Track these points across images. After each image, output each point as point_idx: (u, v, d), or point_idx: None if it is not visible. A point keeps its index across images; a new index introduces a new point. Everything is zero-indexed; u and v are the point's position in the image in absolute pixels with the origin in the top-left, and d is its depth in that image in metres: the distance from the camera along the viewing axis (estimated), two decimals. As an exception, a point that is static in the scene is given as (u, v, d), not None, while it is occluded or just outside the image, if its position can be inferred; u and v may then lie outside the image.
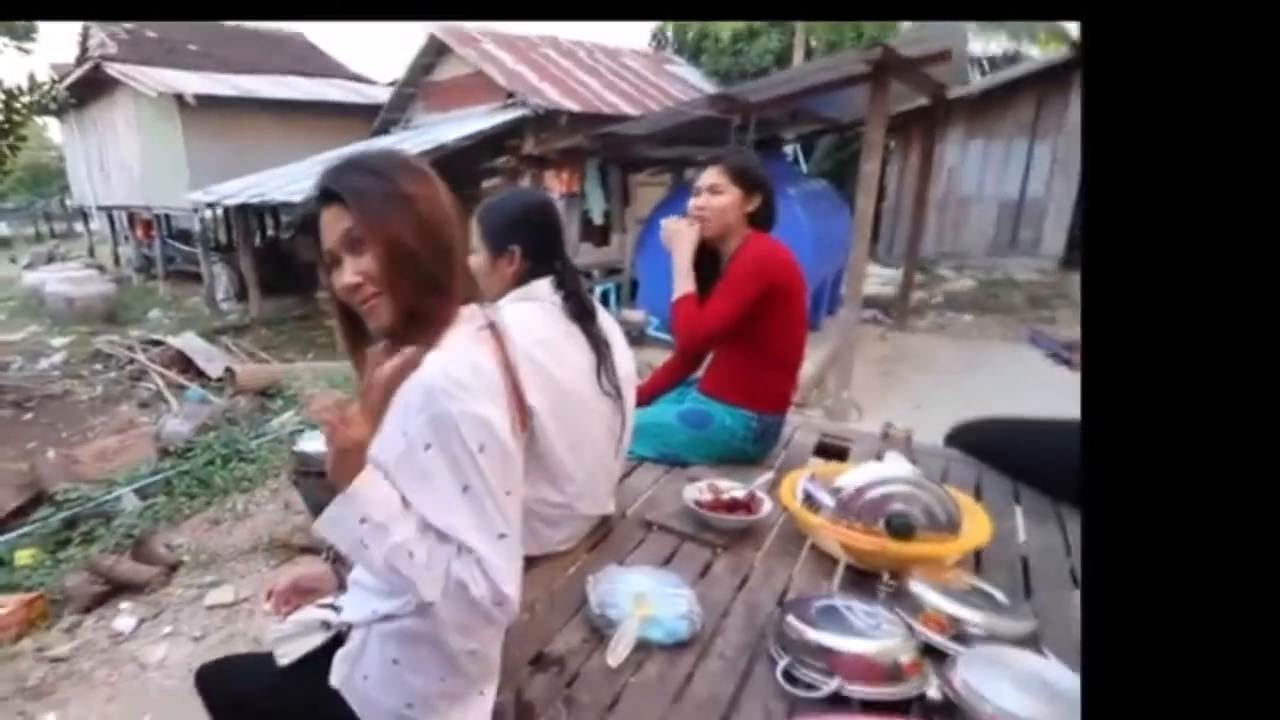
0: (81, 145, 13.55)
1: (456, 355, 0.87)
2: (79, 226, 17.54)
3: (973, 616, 1.14)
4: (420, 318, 0.89)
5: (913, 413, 2.92)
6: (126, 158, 11.51)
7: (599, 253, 7.57)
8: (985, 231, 8.48)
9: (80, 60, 11.64)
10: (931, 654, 1.09)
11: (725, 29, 11.60)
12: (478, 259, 1.41)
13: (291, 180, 7.95)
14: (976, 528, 1.37)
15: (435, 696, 0.97)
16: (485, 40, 9.34)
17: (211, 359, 6.18)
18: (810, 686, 1.04)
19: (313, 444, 2.98)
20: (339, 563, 1.21)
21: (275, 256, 9.74)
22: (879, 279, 7.52)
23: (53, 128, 16.43)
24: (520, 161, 7.05)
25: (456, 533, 0.83)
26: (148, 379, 6.05)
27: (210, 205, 8.73)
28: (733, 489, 1.63)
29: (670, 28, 13.90)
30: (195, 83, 9.93)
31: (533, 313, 1.37)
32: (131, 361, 6.49)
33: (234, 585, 2.66)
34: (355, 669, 0.99)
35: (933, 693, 1.01)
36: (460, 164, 7.39)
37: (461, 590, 0.82)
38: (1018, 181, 8.22)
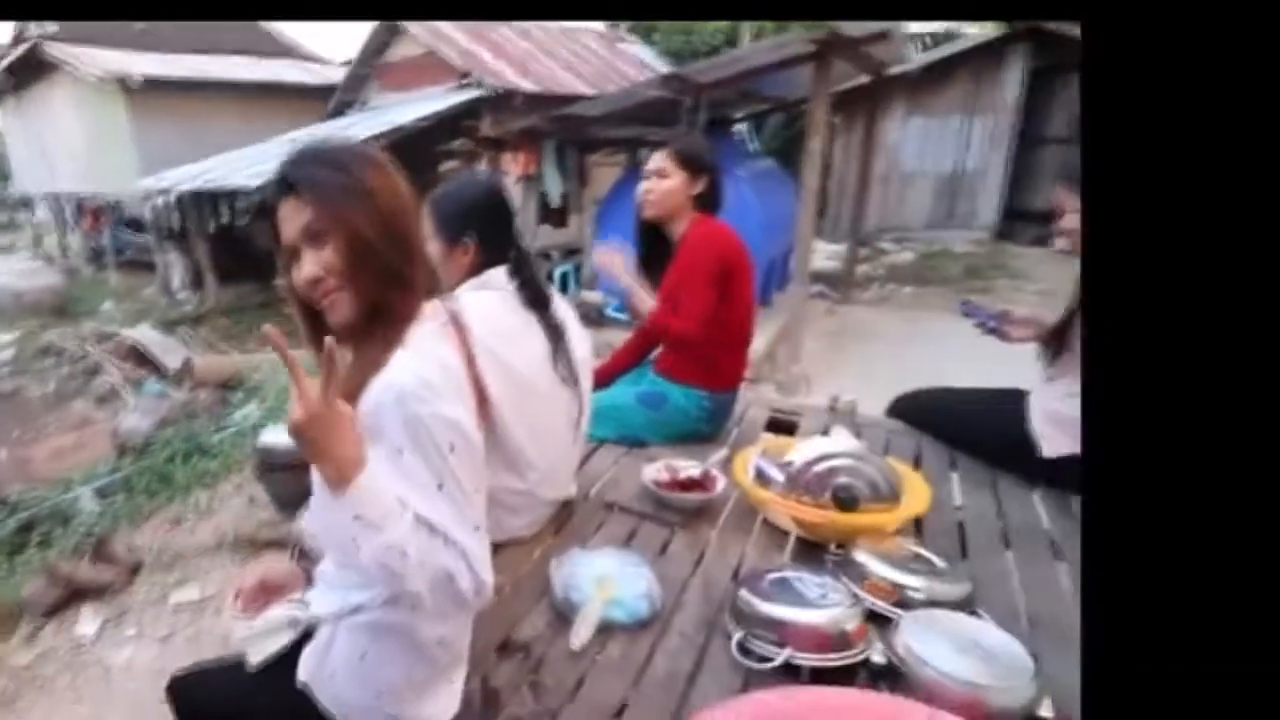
0: (22, 130, 12.61)
1: (424, 355, 0.84)
2: (22, 216, 16.46)
3: (913, 582, 1.17)
4: (383, 312, 0.86)
5: (860, 384, 2.97)
6: (71, 143, 10.77)
7: (557, 234, 7.44)
8: (925, 205, 8.63)
9: (17, 41, 10.79)
10: (876, 620, 1.12)
11: (675, 9, 11.43)
12: (432, 249, 1.36)
13: (247, 164, 7.57)
14: (916, 496, 1.40)
15: (405, 687, 0.95)
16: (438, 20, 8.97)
17: (169, 351, 5.91)
18: (763, 658, 1.06)
19: (276, 437, 2.89)
20: (305, 558, 1.18)
21: (232, 243, 9.30)
22: (825, 254, 7.59)
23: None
24: (478, 144, 6.85)
25: (438, 526, 0.81)
26: (102, 373, 5.76)
27: (162, 192, 8.27)
28: (688, 468, 1.63)
29: (622, 7, 13.62)
30: (141, 64, 9.30)
31: (489, 302, 1.33)
32: (84, 356, 6.16)
33: (199, 583, 2.57)
34: (323, 663, 0.96)
35: (877, 657, 1.04)
36: (417, 146, 7.14)
37: (449, 582, 0.81)
38: (955, 156, 8.35)
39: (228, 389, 4.88)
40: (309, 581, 1.11)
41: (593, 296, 6.16)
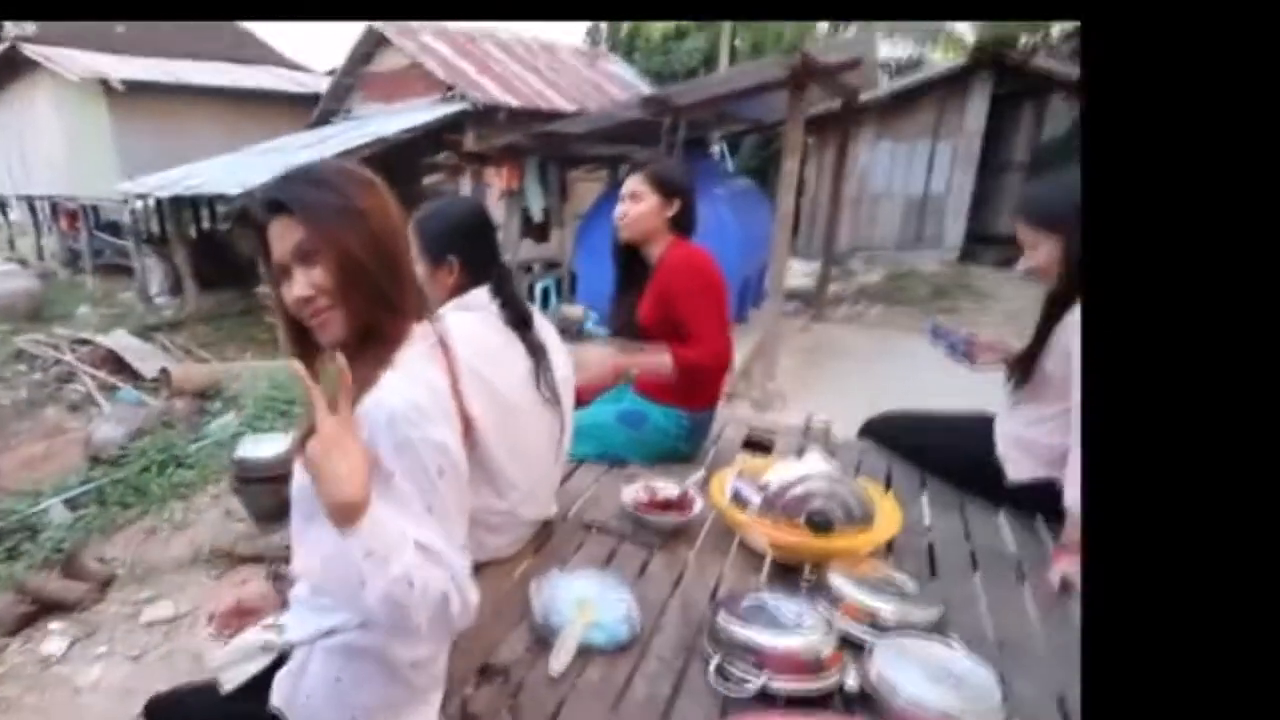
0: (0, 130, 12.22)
1: (413, 377, 0.83)
2: (-4, 218, 15.91)
3: (886, 606, 1.17)
4: (373, 333, 0.85)
5: (832, 400, 2.99)
6: (49, 145, 10.43)
7: (539, 249, 7.42)
8: (893, 226, 8.79)
9: (-3, 40, 10.46)
10: (850, 645, 1.12)
11: (656, 29, 11.52)
12: (417, 269, 1.34)
13: (228, 171, 7.41)
14: (888, 519, 1.41)
15: (380, 710, 0.93)
16: (424, 33, 8.91)
17: (145, 358, 5.73)
18: (740, 683, 1.05)
19: (253, 449, 2.82)
20: (280, 580, 1.14)
21: (212, 249, 9.10)
22: (799, 272, 7.68)
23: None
24: (461, 158, 6.81)
25: (432, 548, 0.80)
26: (76, 380, 5.56)
27: (141, 196, 8.05)
28: (667, 489, 1.62)
29: (605, 25, 13.70)
30: (122, 67, 9.06)
31: (472, 323, 1.32)
32: (58, 362, 5.95)
33: (173, 600, 2.47)
34: (298, 687, 0.94)
35: (851, 683, 1.04)
36: (401, 158, 7.07)
37: (444, 605, 0.79)
38: (922, 180, 8.53)
39: (205, 398, 4.74)
40: (284, 605, 1.08)
41: (573, 311, 6.15)
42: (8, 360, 6.18)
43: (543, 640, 1.19)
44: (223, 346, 6.75)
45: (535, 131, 6.05)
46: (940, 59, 9.79)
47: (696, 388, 1.89)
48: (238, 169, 7.27)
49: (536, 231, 7.25)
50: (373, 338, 0.85)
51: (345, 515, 0.74)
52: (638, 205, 1.81)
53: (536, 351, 1.38)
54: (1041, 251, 1.46)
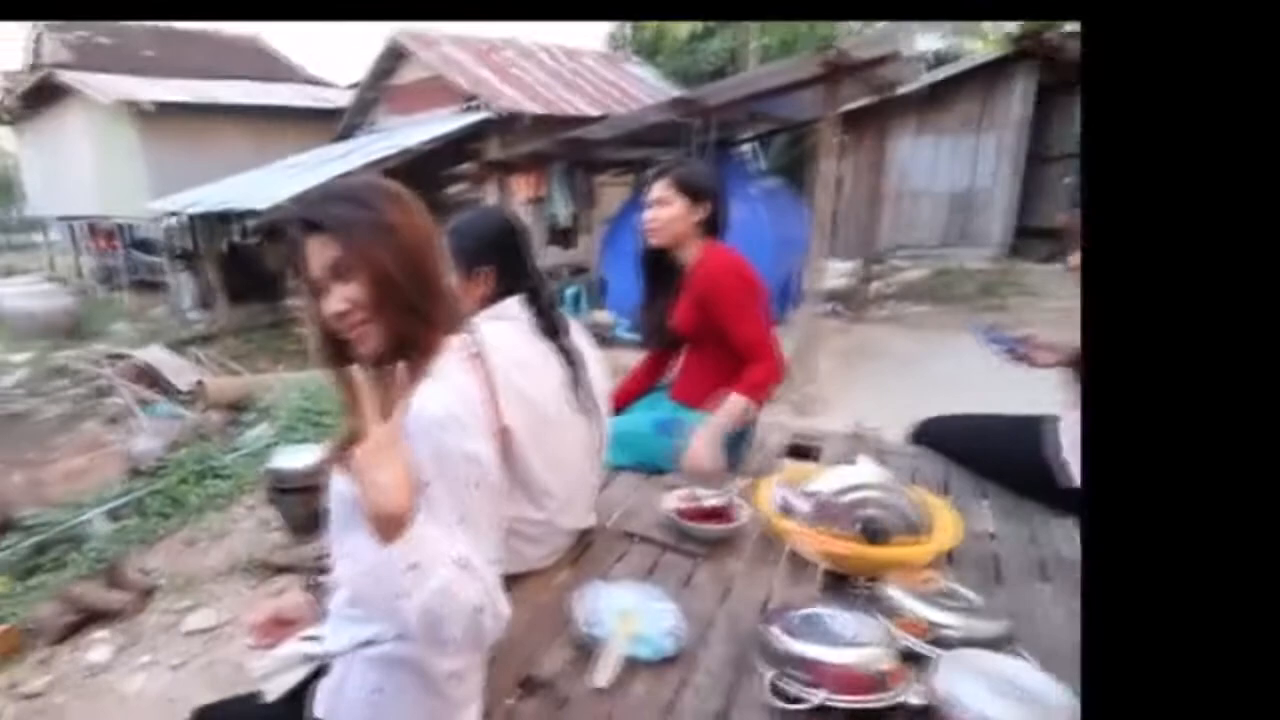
0: (37, 154, 12.86)
1: (449, 387, 0.85)
2: (37, 238, 16.70)
3: (948, 620, 1.14)
4: (407, 345, 0.87)
5: (875, 404, 2.94)
6: (83, 166, 10.97)
7: (565, 255, 7.49)
8: (936, 223, 8.63)
9: (32, 68, 11.05)
10: (910, 659, 1.09)
11: (681, 30, 11.56)
12: (449, 280, 1.36)
13: (255, 186, 7.67)
14: (948, 528, 1.37)
15: None
16: (445, 44, 9.11)
17: (180, 371, 5.94)
18: (796, 699, 1.03)
19: (287, 460, 2.89)
20: (318, 590, 1.16)
21: (242, 263, 9.39)
22: (837, 272, 7.58)
23: (5, 135, 15.57)
24: (485, 167, 6.92)
25: (467, 560, 0.81)
26: (114, 394, 5.79)
27: (173, 214, 8.38)
28: (710, 497, 1.61)
29: (627, 27, 13.79)
30: (151, 89, 9.50)
31: (506, 332, 1.33)
32: (96, 377, 6.20)
33: (213, 609, 2.55)
34: (338, 699, 0.96)
35: (914, 699, 1.01)
36: (424, 168, 7.21)
37: (477, 617, 0.79)
38: (965, 174, 8.37)
39: (239, 410, 4.89)
40: (322, 615, 1.10)
41: (603, 316, 6.17)
42: (49, 375, 6.47)
43: (585, 652, 1.18)
44: (254, 359, 6.96)
45: (560, 138, 6.12)
46: (981, 49, 9.61)
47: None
48: (265, 184, 7.52)
49: (563, 238, 7.31)
50: (407, 349, 0.87)
51: (390, 526, 0.74)
52: (665, 210, 1.81)
53: (572, 361, 1.39)
54: None
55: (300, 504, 2.77)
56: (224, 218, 8.56)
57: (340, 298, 0.85)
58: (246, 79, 11.30)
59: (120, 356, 6.64)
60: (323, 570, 1.08)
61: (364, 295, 0.85)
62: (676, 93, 8.05)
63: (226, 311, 8.47)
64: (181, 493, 3.55)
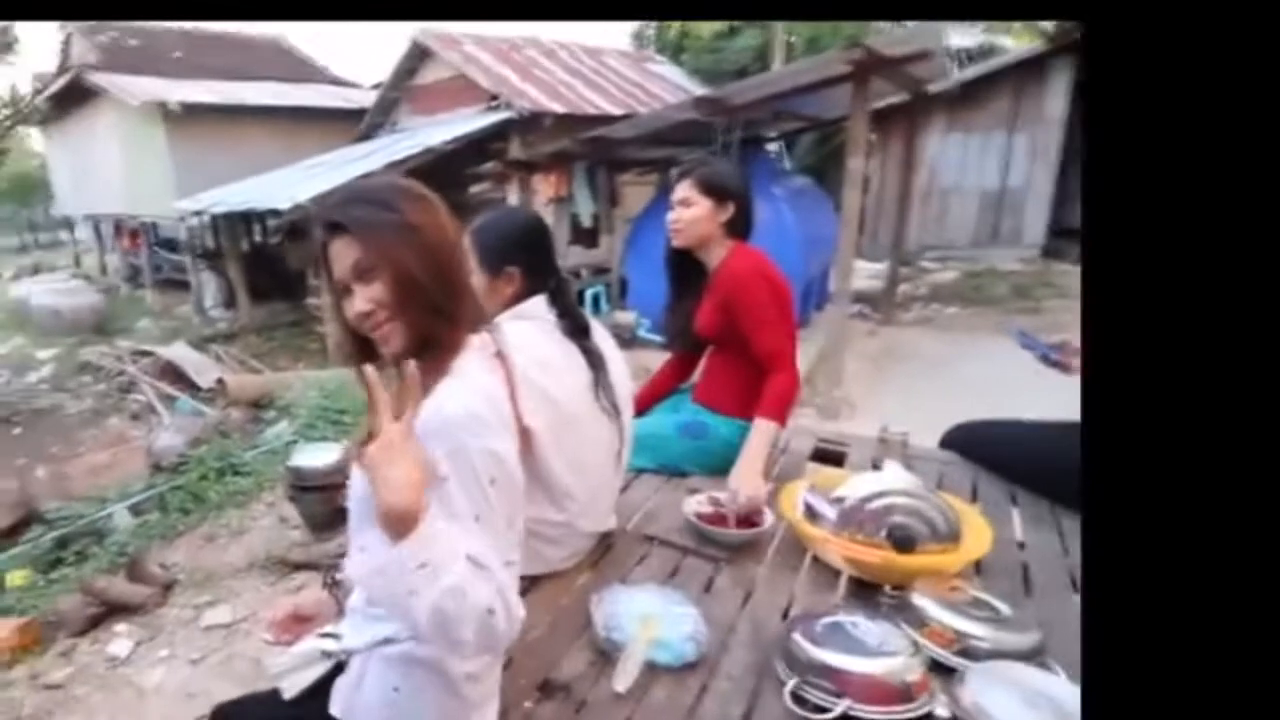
0: (65, 154, 13.28)
1: (471, 386, 0.87)
2: (64, 236, 17.23)
3: (977, 630, 1.12)
4: (430, 344, 0.90)
5: (904, 408, 2.91)
6: (110, 166, 11.29)
7: (588, 254, 7.52)
8: (967, 223, 8.51)
9: (61, 70, 11.40)
10: (937, 670, 1.08)
11: (706, 28, 11.56)
12: (475, 280, 1.38)
13: (278, 186, 7.82)
14: (977, 537, 1.36)
15: None
16: (467, 43, 9.22)
17: (202, 369, 6.08)
18: (819, 708, 1.02)
19: (307, 458, 2.94)
20: (336, 588, 1.18)
21: (264, 262, 9.61)
22: (864, 272, 7.51)
23: (35, 136, 16.10)
24: (507, 166, 6.98)
25: (480, 560, 0.82)
26: (138, 391, 5.95)
27: (197, 213, 8.59)
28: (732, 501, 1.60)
29: (652, 26, 13.82)
30: (178, 90, 9.76)
31: (529, 332, 1.35)
32: (120, 373, 6.38)
33: (231, 605, 2.60)
34: (356, 696, 0.97)
35: (941, 711, 1.00)
36: (446, 168, 7.30)
37: (489, 618, 0.80)
38: (997, 173, 8.24)
39: (259, 407, 4.99)
40: (341, 612, 1.11)
41: (624, 317, 6.18)
42: (75, 372, 6.66)
43: (604, 656, 1.19)
44: (275, 357, 7.10)
45: (582, 137, 6.15)
46: (1014, 45, 9.48)
47: (756, 397, 1.86)
48: (288, 183, 7.66)
49: (586, 237, 7.34)
50: (430, 348, 0.89)
51: (400, 523, 0.75)
52: (689, 211, 1.81)
53: (595, 362, 1.40)
54: None
55: (320, 501, 2.82)
56: (246, 217, 8.77)
57: (364, 298, 0.87)
58: (272, 80, 11.55)
59: (145, 353, 6.82)
60: (341, 568, 1.10)
61: (387, 296, 0.86)
62: (701, 91, 8.05)
63: (248, 310, 8.66)
64: (202, 489, 3.64)
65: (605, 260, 7.47)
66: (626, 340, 5.63)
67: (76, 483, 3.93)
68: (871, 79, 4.30)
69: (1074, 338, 1.68)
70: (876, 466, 1.67)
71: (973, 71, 8.31)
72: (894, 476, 1.44)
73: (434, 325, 0.89)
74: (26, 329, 8.92)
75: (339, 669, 1.01)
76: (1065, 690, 0.98)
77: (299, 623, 1.14)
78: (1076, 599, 1.35)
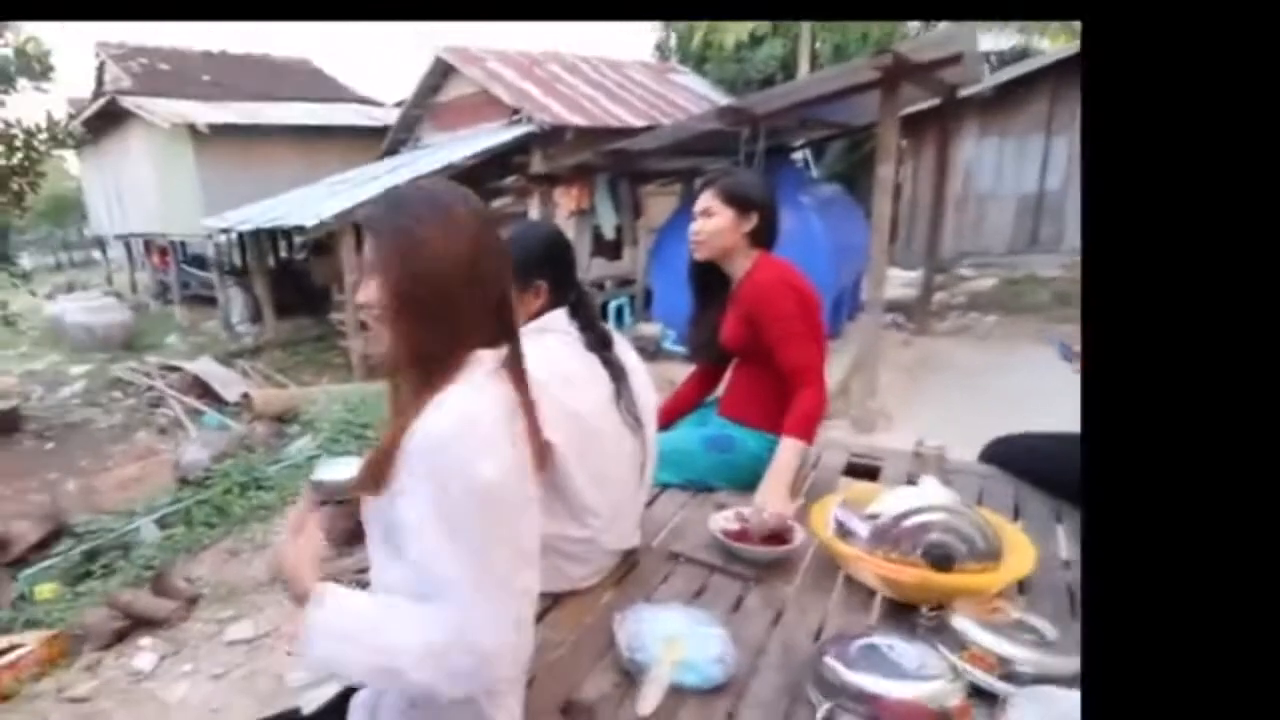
0: (99, 176, 13.85)
1: (459, 406, 0.86)
2: (97, 255, 17.90)
3: (1021, 654, 1.08)
4: (424, 357, 0.90)
5: (941, 421, 2.85)
6: (142, 186, 11.75)
7: (611, 266, 7.56)
8: (1004, 229, 8.37)
9: (96, 95, 11.93)
10: (978, 694, 1.04)
11: (729, 36, 11.63)
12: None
13: (303, 203, 8.03)
14: (1019, 555, 1.31)
15: None
16: (490, 59, 9.41)
17: (228, 383, 6.24)
18: (854, 734, 0.99)
19: (329, 471, 2.97)
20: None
21: (289, 278, 9.87)
22: (898, 281, 7.41)
23: (70, 159, 16.82)
24: (529, 180, 7.07)
25: (442, 588, 0.83)
26: (166, 405, 6.11)
27: (224, 231, 8.86)
28: (762, 517, 1.57)
29: (674, 38, 13.95)
30: (207, 112, 10.14)
31: (552, 345, 1.35)
32: (149, 388, 6.57)
33: (253, 620, 2.64)
34: (373, 715, 0.98)
35: (985, 740, 0.96)
36: (469, 182, 7.41)
37: (443, 660, 0.82)
38: (1035, 177, 8.11)
39: (284, 422, 5.09)
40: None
41: (648, 329, 6.19)
42: (105, 387, 6.87)
43: (628, 676, 1.17)
44: (299, 371, 7.24)
45: (604, 149, 6.21)
46: (1050, 46, 9.36)
47: (785, 410, 1.84)
48: (312, 201, 7.87)
49: (609, 249, 7.39)
50: (424, 361, 0.89)
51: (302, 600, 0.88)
52: (711, 222, 1.80)
53: (618, 375, 1.40)
54: None
55: (341, 516, 2.84)
56: (272, 234, 9.02)
57: (365, 290, 0.91)
58: (298, 100, 11.92)
59: (172, 369, 7.02)
60: (361, 584, 1.10)
61: (379, 297, 0.89)
62: (724, 101, 8.08)
63: (274, 325, 8.88)
64: (226, 503, 3.71)
65: (629, 272, 7.50)
66: (651, 353, 5.63)
67: (105, 496, 4.04)
68: (900, 85, 4.28)
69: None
70: (912, 481, 1.63)
71: (1007, 74, 8.21)
72: (931, 492, 1.40)
73: (424, 338, 0.89)
74: (60, 346, 9.25)
75: (358, 686, 1.01)
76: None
77: None
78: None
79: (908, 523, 1.33)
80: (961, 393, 4.33)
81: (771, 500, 1.62)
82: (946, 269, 7.83)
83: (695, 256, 1.89)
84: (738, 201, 1.79)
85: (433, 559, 0.83)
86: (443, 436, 0.83)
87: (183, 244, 11.61)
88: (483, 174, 7.71)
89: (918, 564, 1.29)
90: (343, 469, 2.97)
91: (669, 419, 2.04)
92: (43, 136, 5.41)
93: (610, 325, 1.51)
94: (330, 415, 4.77)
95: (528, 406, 0.95)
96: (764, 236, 1.84)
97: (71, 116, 10.44)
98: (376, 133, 10.83)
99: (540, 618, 1.27)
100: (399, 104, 11.08)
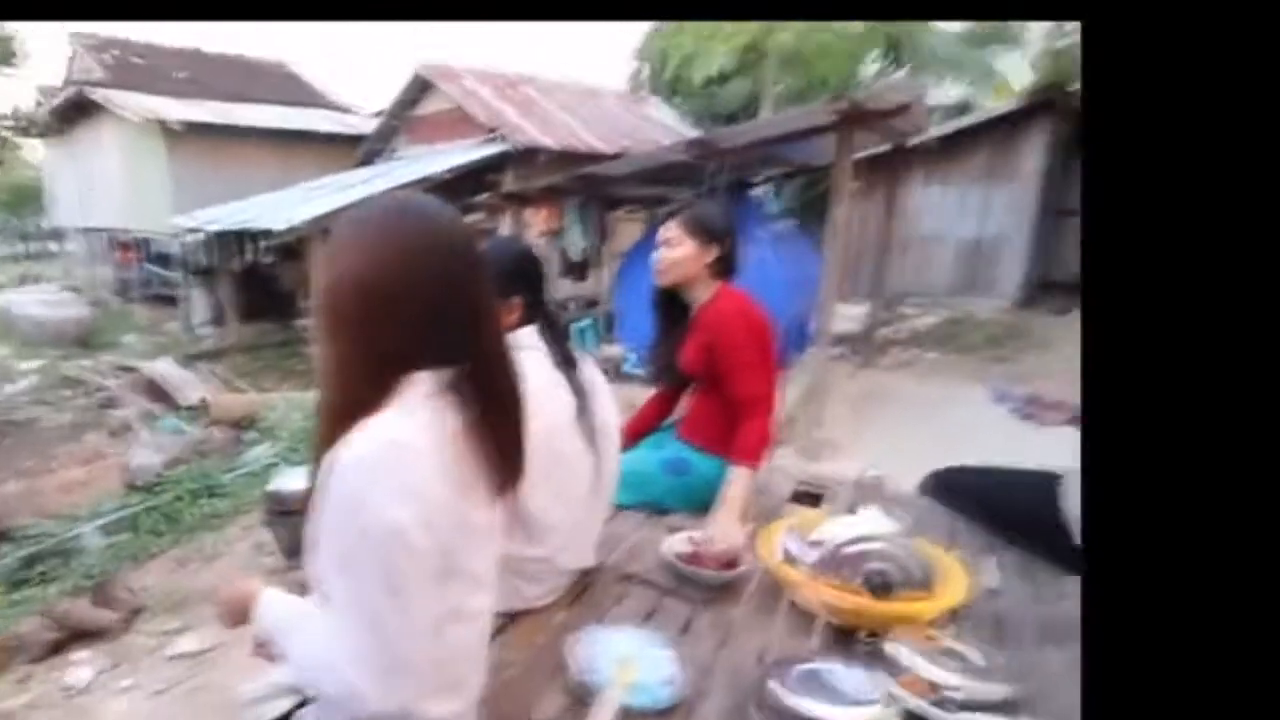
0: (66, 167, 13.21)
1: (383, 429, 0.80)
2: (54, 247, 17.03)
3: (953, 680, 1.11)
4: (339, 372, 0.85)
5: (885, 451, 2.91)
6: (110, 181, 11.26)
7: (577, 287, 7.56)
8: (945, 271, 8.68)
9: (66, 84, 11.44)
10: (911, 719, 1.06)
11: (698, 73, 11.86)
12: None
13: (274, 207, 7.83)
14: (955, 584, 1.35)
15: None
16: (468, 78, 9.39)
17: (186, 386, 5.97)
18: (794, 758, 1.00)
19: (288, 482, 2.87)
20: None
21: (255, 282, 9.54)
22: (845, 315, 7.60)
23: (29, 148, 16.03)
24: (502, 198, 7.04)
25: (339, 616, 0.80)
26: (120, 406, 5.82)
27: (193, 230, 8.55)
28: (712, 541, 1.58)
29: (645, 71, 14.18)
30: (181, 109, 9.81)
31: (522, 362, 1.34)
32: (103, 388, 6.25)
33: (200, 633, 2.50)
34: None
35: (917, 764, 0.98)
36: (442, 197, 7.35)
37: (345, 681, 0.81)
38: (974, 224, 8.45)
39: (242, 428, 4.90)
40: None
41: (613, 351, 6.19)
42: (56, 385, 6.51)
43: (581, 699, 1.16)
44: (260, 376, 7.00)
45: (576, 173, 6.24)
46: (994, 102, 9.81)
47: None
48: (284, 205, 7.68)
49: (576, 270, 7.38)
50: (357, 381, 0.85)
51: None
52: (675, 251, 1.82)
53: (581, 394, 1.39)
54: None
55: (297, 527, 2.73)
56: (241, 236, 8.73)
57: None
58: (273, 103, 11.64)
59: (129, 368, 6.70)
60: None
61: (319, 301, 0.86)
62: (693, 134, 8.22)
63: (236, 328, 8.57)
64: (177, 510, 3.54)
65: (595, 294, 7.51)
66: (613, 375, 5.62)
67: (48, 499, 3.80)
68: (855, 130, 4.43)
69: (1044, 391, 1.70)
70: (854, 510, 1.67)
71: (950, 126, 8.56)
72: (873, 521, 1.43)
73: (349, 354, 0.84)
74: (9, 339, 8.74)
75: (305, 701, 0.99)
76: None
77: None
78: (1051, 650, 1.34)
79: (849, 550, 1.35)
80: (903, 425, 4.44)
81: (723, 530, 1.62)
82: (890, 306, 8.07)
83: (658, 283, 1.90)
84: (701, 233, 1.82)
85: (325, 581, 0.81)
86: (349, 465, 0.77)
87: (148, 241, 11.14)
88: (456, 190, 7.65)
89: (859, 591, 1.31)
90: (299, 479, 2.89)
91: (629, 440, 2.03)
92: (7, 124, 5.14)
93: (575, 345, 1.51)
94: (290, 423, 4.61)
95: (486, 428, 0.87)
96: (725, 267, 1.87)
97: (39, 105, 9.98)
98: (351, 140, 10.66)
99: (494, 636, 1.25)
100: (377, 114, 10.94)
